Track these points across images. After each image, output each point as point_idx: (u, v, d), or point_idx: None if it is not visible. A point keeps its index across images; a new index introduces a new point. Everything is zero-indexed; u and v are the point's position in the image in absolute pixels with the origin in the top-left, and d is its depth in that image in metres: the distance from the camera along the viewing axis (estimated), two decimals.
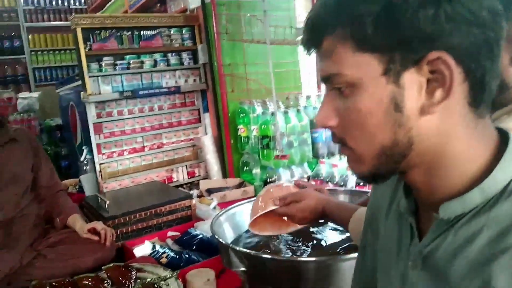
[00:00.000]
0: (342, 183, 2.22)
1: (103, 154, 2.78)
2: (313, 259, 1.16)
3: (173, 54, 2.91)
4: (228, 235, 1.48)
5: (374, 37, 0.47)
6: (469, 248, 0.48)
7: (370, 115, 0.50)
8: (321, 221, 1.25)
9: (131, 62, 2.77)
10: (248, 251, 1.21)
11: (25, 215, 1.94)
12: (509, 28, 0.81)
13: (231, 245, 1.25)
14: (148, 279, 1.48)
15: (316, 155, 2.66)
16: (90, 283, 1.48)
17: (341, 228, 1.36)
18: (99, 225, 1.92)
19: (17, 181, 1.93)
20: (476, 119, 0.50)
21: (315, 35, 0.53)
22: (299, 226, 1.25)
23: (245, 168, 2.78)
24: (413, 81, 0.48)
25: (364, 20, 0.47)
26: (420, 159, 0.51)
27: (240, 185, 2.69)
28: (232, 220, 1.54)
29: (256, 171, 2.71)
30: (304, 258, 1.20)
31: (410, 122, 0.49)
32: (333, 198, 1.24)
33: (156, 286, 1.43)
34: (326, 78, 0.54)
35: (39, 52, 5.27)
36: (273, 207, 1.27)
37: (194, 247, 1.83)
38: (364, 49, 0.48)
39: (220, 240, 1.29)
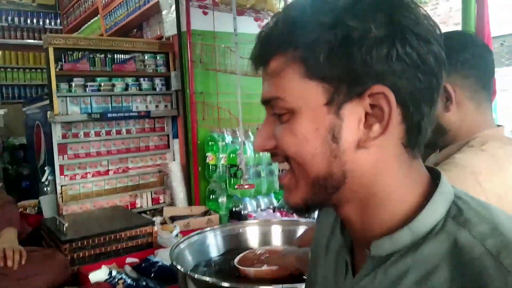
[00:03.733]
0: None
1: (66, 175, 2.71)
2: (269, 287, 1.16)
3: (146, 79, 2.92)
4: (188, 263, 1.46)
5: (325, 66, 0.46)
6: None
7: (306, 142, 0.49)
8: None
9: (102, 84, 2.76)
10: (204, 278, 1.19)
11: None
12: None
13: (188, 273, 1.23)
14: None
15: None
16: None
17: None
18: (3, 242, 1.79)
19: None
20: (410, 160, 0.50)
21: (265, 51, 0.51)
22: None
23: (211, 196, 2.76)
24: (353, 113, 0.47)
25: (319, 48, 0.46)
26: (353, 194, 0.51)
27: (205, 213, 2.66)
28: (193, 248, 1.52)
29: (222, 199, 2.70)
30: (261, 286, 1.19)
31: (346, 155, 0.48)
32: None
33: None
34: (266, 101, 0.52)
35: (9, 69, 5.17)
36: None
37: (153, 275, 1.78)
38: (312, 76, 0.47)
39: (178, 266, 1.27)
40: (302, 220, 1.70)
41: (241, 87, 2.49)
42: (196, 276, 1.21)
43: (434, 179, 0.52)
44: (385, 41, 0.45)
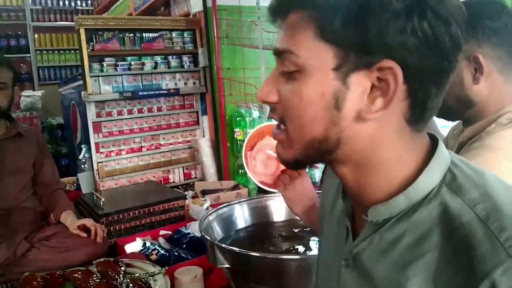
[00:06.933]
0: None
1: (101, 153, 2.82)
2: (294, 257, 1.19)
3: (174, 57, 2.96)
4: (217, 234, 1.52)
5: (339, 30, 0.46)
6: (392, 251, 0.49)
7: (309, 105, 0.49)
8: None
9: (132, 63, 2.82)
10: (231, 248, 1.25)
11: (23, 208, 1.98)
12: (470, 49, 0.88)
13: (216, 242, 1.28)
14: (137, 274, 1.51)
15: None
16: (80, 276, 1.51)
17: None
18: (89, 221, 1.96)
19: (18, 174, 1.98)
20: (411, 133, 0.50)
21: (283, 5, 0.51)
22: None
23: (240, 171, 2.81)
24: (359, 83, 0.47)
25: (336, 12, 0.46)
26: (346, 157, 0.52)
27: (234, 188, 2.72)
28: (221, 220, 1.58)
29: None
30: (286, 256, 1.23)
31: (344, 123, 0.49)
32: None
33: (144, 281, 1.46)
34: (280, 52, 0.51)
35: (44, 51, 5.35)
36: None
37: (184, 246, 1.86)
38: (325, 38, 0.47)
39: (206, 237, 1.33)
40: None
41: (267, 61, 2.49)
42: (223, 245, 1.27)
43: (434, 146, 0.52)
44: (403, 14, 0.44)
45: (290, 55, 0.50)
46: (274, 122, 1.42)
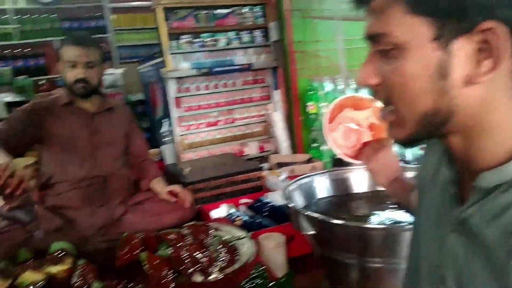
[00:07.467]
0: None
1: (182, 126, 3.00)
2: (379, 226, 1.23)
3: (246, 32, 3.02)
4: (299, 202, 1.59)
5: (429, 0, 0.46)
6: (503, 216, 0.48)
7: (414, 80, 0.49)
8: None
9: (208, 39, 2.93)
10: (316, 215, 1.31)
11: (118, 175, 2.18)
12: None
13: (301, 210, 1.36)
14: (225, 237, 1.63)
15: None
16: (173, 237, 1.66)
17: None
18: (178, 188, 2.11)
19: (112, 144, 2.17)
20: None
21: None
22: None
23: (314, 144, 2.86)
24: (462, 49, 0.47)
25: None
26: (460, 126, 0.51)
27: (308, 161, 2.77)
28: (302, 189, 1.65)
29: (324, 147, 2.78)
30: (370, 225, 1.27)
31: (454, 91, 0.48)
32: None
33: (231, 243, 1.58)
34: (372, 37, 0.52)
35: (122, 31, 5.65)
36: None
37: (265, 214, 1.97)
38: (417, 11, 0.47)
39: (292, 205, 1.40)
40: (409, 165, 1.72)
41: (345, 32, 2.47)
42: (307, 213, 1.34)
43: None
44: None
45: (384, 37, 0.50)
46: (352, 94, 1.41)
